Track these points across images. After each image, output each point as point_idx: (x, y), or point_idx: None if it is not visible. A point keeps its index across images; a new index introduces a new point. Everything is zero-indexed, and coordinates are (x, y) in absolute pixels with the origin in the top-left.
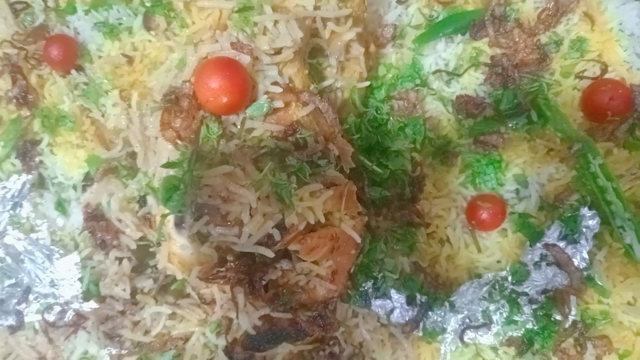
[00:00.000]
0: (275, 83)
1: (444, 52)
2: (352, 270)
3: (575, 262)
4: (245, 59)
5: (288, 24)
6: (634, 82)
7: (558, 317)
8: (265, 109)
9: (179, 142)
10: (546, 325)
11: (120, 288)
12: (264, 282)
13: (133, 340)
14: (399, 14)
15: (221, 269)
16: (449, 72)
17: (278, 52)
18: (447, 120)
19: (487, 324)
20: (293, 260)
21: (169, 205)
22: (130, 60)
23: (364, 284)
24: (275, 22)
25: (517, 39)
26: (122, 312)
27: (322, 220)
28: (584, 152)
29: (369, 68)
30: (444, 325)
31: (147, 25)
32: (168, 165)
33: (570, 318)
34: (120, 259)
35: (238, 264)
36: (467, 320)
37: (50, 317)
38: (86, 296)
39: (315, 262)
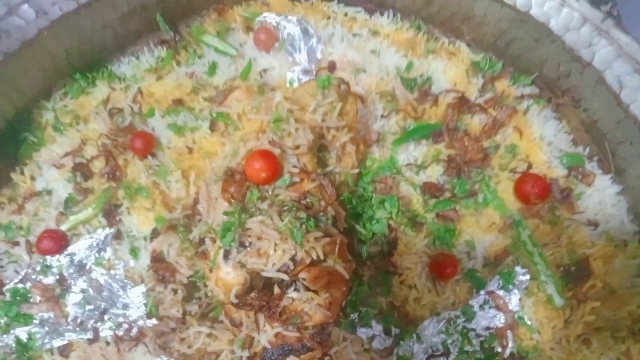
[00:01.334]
0: (294, 166)
1: (414, 151)
2: (343, 304)
3: (510, 306)
4: (276, 151)
5: (304, 130)
6: (552, 176)
7: (499, 349)
8: (287, 182)
9: (232, 201)
10: (490, 355)
11: (174, 310)
12: (279, 309)
13: (179, 351)
14: (382, 125)
15: (249, 298)
16: (417, 165)
17: (297, 147)
18: (416, 200)
19: (445, 353)
20: (300, 291)
21: (223, 241)
22: (190, 150)
23: (352, 315)
24: (296, 129)
25: (466, 144)
26: (174, 330)
27: (322, 257)
28: (516, 225)
29: (359, 160)
30: (413, 353)
31: (212, 128)
32: (225, 214)
33: (508, 350)
34: (175, 290)
35: (261, 294)
36: (430, 350)
37: (120, 332)
38: (148, 316)
39: (315, 293)
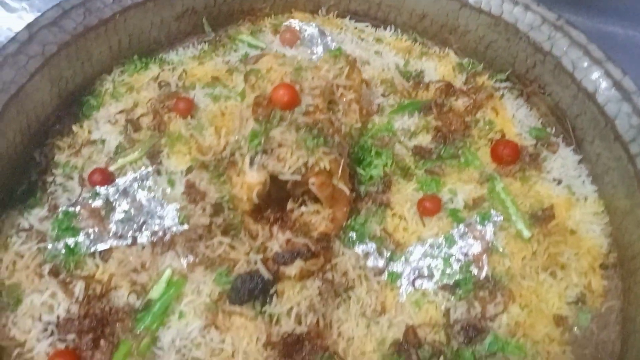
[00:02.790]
0: (309, 103)
1: (407, 121)
2: (343, 225)
3: (486, 236)
4: (297, 88)
5: (318, 79)
6: (522, 144)
7: (475, 272)
8: (303, 110)
9: (260, 118)
10: (467, 277)
11: (202, 219)
12: (290, 222)
13: (204, 254)
14: (382, 101)
15: (265, 214)
16: (410, 132)
17: (312, 89)
18: (408, 159)
19: (430, 275)
20: (307, 206)
21: (251, 145)
22: (223, 114)
23: (350, 233)
24: (312, 77)
25: (451, 119)
26: (200, 237)
27: (328, 169)
28: (491, 179)
29: (362, 121)
30: (401, 274)
31: (245, 79)
32: (255, 122)
33: (484, 273)
34: (204, 208)
35: (276, 209)
36: (417, 272)
37: (154, 239)
38: (180, 224)
39: (321, 205)
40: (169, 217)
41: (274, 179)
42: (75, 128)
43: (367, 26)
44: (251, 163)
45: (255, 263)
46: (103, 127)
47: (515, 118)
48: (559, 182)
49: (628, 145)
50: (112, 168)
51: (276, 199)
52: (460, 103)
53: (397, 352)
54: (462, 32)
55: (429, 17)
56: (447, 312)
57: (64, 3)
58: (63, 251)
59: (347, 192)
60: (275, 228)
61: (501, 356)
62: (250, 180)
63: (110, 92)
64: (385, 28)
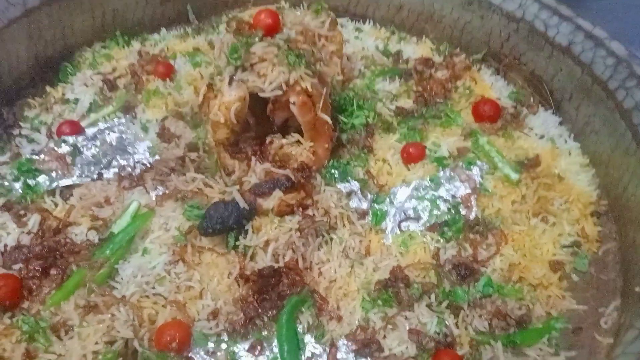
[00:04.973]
0: (291, 34)
1: (389, 86)
2: (325, 163)
3: (474, 178)
4: (280, 20)
5: (302, 19)
6: (502, 106)
7: (464, 213)
8: (286, 37)
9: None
10: (455, 218)
11: (176, 151)
12: (270, 155)
13: (176, 186)
14: (364, 68)
15: (242, 147)
16: (392, 94)
17: (296, 25)
18: (390, 117)
19: (416, 217)
20: (288, 137)
21: (231, 58)
22: (202, 77)
23: (333, 170)
24: (295, 17)
25: (432, 85)
26: (173, 170)
27: (310, 89)
28: (474, 134)
29: (344, 77)
30: (386, 215)
31: (227, 25)
32: (235, 37)
33: (473, 213)
34: (177, 144)
35: (254, 142)
36: (403, 214)
37: (122, 173)
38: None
39: (301, 135)
40: (140, 153)
41: (252, 106)
42: (48, 88)
43: (347, 21)
44: (230, 81)
45: (231, 195)
46: (78, 88)
47: (493, 86)
48: (542, 137)
49: (607, 84)
50: (84, 123)
51: (255, 135)
52: (439, 75)
53: (384, 287)
54: (438, 18)
55: (406, 8)
56: (436, 254)
57: None
58: (20, 191)
59: (329, 121)
60: (253, 160)
61: (497, 297)
62: (228, 98)
63: (89, 62)
64: (364, 22)
